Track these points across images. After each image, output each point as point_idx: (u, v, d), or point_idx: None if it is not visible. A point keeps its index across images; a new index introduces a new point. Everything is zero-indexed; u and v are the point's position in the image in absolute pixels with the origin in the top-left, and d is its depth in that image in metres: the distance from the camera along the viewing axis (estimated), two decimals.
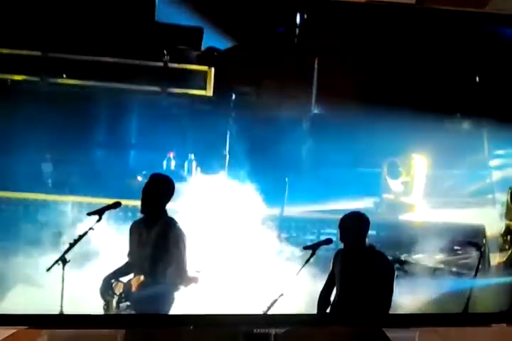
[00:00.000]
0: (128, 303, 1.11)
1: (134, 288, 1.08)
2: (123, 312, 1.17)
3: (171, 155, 1.05)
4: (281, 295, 1.26)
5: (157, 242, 1.04)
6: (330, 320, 1.46)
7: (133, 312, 1.14)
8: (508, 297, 1.49)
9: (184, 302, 1.32)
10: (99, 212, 1.00)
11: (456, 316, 1.51)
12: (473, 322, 1.54)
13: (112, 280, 1.08)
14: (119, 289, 1.09)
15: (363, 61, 1.26)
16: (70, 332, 1.55)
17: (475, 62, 1.34)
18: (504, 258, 1.26)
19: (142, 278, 1.07)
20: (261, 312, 1.36)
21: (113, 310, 1.11)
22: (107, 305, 1.10)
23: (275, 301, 1.30)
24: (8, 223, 1.13)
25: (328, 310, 1.37)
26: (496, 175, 1.19)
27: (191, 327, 1.41)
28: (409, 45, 1.27)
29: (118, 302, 1.09)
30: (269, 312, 1.35)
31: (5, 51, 1.13)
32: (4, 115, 1.06)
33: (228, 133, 1.08)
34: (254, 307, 1.38)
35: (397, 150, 1.10)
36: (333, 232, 1.12)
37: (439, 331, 1.79)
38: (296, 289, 1.32)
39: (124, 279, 1.10)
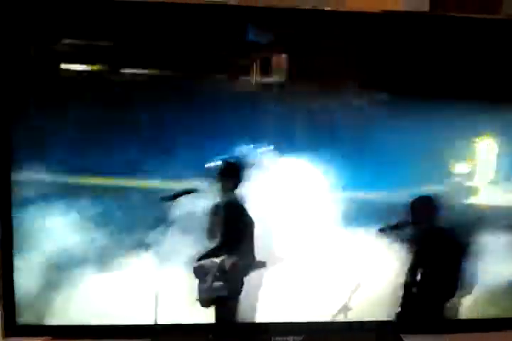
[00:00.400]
0: (221, 283, 1.18)
1: (227, 268, 1.16)
2: (216, 294, 1.22)
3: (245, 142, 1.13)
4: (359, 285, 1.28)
5: (238, 224, 1.12)
6: (349, 327, 1.46)
7: (226, 293, 1.20)
8: None
9: (200, 311, 1.31)
10: (176, 197, 1.08)
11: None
12: (491, 328, 1.49)
13: (205, 261, 1.15)
14: (212, 270, 1.16)
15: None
16: None
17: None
18: None
19: (232, 259, 1.14)
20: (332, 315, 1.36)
21: (207, 292, 1.18)
22: (201, 286, 1.17)
23: (354, 291, 1.29)
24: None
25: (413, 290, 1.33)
26: None
27: (210, 337, 1.45)
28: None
29: (212, 282, 1.17)
30: (289, 320, 1.38)
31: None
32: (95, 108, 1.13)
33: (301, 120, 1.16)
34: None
35: (463, 136, 1.15)
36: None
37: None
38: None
39: (217, 260, 1.16)
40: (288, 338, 1.55)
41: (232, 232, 1.15)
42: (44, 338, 1.47)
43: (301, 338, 1.55)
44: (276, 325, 1.49)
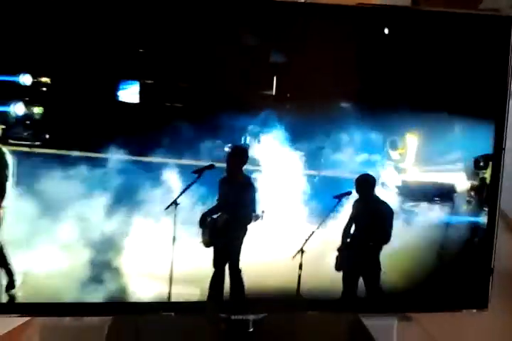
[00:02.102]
0: (216, 232, 1.47)
1: (219, 224, 1.46)
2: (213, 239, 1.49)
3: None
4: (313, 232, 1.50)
5: (238, 192, 1.44)
6: (306, 306, 1.66)
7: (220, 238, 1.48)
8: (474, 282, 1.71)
9: (166, 290, 1.57)
10: (200, 171, 1.40)
11: (431, 302, 1.71)
12: (445, 308, 1.74)
13: (207, 217, 1.45)
14: (211, 222, 1.46)
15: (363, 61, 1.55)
16: (61, 323, 1.81)
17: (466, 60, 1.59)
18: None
19: (225, 216, 1.46)
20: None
21: (206, 239, 1.47)
22: (203, 235, 1.46)
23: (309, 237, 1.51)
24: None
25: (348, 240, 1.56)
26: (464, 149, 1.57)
27: (173, 314, 1.62)
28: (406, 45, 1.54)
29: (209, 233, 1.47)
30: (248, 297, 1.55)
31: None
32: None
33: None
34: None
35: (397, 130, 1.50)
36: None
37: (417, 319, 1.99)
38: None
39: (215, 216, 1.47)
40: (248, 316, 1.70)
41: (228, 197, 1.45)
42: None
43: (261, 317, 1.70)
44: (236, 303, 1.63)
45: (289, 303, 1.63)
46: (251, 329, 1.70)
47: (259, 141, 1.47)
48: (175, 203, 1.38)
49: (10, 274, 1.54)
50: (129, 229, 1.48)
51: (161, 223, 1.43)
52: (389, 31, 1.54)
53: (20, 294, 1.52)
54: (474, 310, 1.75)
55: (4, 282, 1.52)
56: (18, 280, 1.53)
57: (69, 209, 1.45)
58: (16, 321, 2.05)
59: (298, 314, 1.77)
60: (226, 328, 1.71)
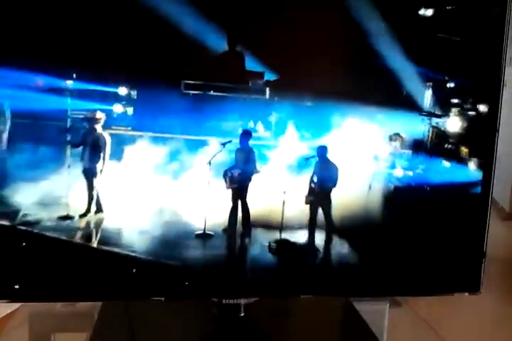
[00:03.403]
0: (234, 185, 1.93)
1: (235, 176, 1.95)
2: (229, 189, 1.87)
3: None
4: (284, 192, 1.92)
5: (246, 156, 1.96)
6: (298, 290, 1.77)
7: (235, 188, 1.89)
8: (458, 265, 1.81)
9: (157, 275, 1.76)
10: (224, 144, 1.90)
11: (421, 285, 1.80)
12: (437, 291, 1.80)
13: (228, 171, 1.95)
14: (228, 174, 1.94)
15: None
16: (50, 309, 1.91)
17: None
18: None
19: (239, 171, 1.96)
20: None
21: (228, 185, 1.92)
22: (226, 183, 1.94)
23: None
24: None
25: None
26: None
27: (163, 299, 1.69)
28: None
29: (229, 182, 1.94)
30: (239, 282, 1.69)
31: None
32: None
33: None
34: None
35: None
36: None
37: (408, 303, 2.16)
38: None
39: (233, 171, 1.93)
40: (239, 300, 1.75)
41: (240, 159, 1.95)
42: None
43: (252, 301, 1.76)
44: (227, 287, 1.70)
45: (281, 287, 1.76)
46: (242, 314, 1.80)
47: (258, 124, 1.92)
48: (209, 163, 1.89)
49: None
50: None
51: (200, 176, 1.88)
52: None
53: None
54: (466, 294, 1.79)
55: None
56: None
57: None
58: (5, 308, 2.24)
59: (289, 298, 1.85)
60: (217, 312, 1.79)
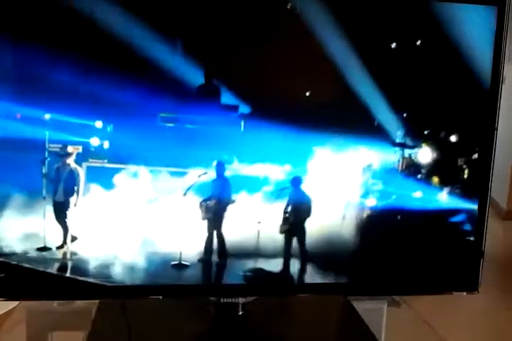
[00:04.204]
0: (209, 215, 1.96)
1: (211, 206, 1.98)
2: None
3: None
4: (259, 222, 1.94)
5: (221, 187, 1.98)
6: (296, 289, 1.80)
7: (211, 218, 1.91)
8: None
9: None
10: (200, 175, 1.92)
11: (419, 284, 1.81)
12: (435, 291, 1.81)
13: (203, 202, 1.96)
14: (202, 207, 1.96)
15: None
16: (47, 308, 1.91)
17: None
18: None
19: (214, 201, 2.01)
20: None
21: (203, 215, 1.94)
22: (201, 213, 1.96)
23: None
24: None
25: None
26: None
27: (161, 298, 1.72)
28: None
29: (205, 212, 1.96)
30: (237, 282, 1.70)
31: None
32: None
33: None
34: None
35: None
36: None
37: (406, 301, 2.12)
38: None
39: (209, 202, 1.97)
40: (237, 299, 1.76)
41: (216, 190, 1.98)
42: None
43: (250, 300, 1.79)
44: (226, 286, 1.71)
45: (279, 286, 1.79)
46: (240, 313, 1.81)
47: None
48: (185, 194, 1.91)
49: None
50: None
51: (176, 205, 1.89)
52: None
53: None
54: (464, 293, 1.78)
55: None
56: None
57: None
58: (2, 307, 2.32)
59: (288, 297, 1.90)
60: (215, 311, 1.81)
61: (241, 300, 1.73)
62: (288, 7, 1.73)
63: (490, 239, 1.77)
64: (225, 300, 1.73)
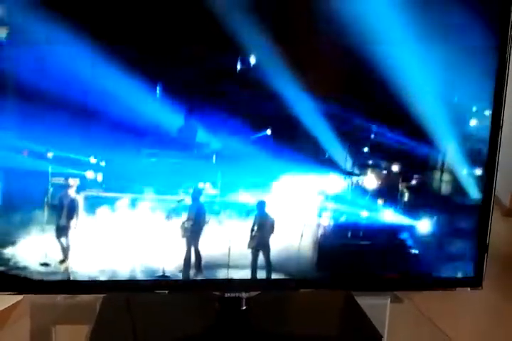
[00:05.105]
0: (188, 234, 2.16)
1: (189, 226, 2.22)
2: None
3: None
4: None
5: (197, 211, 2.23)
6: (300, 284, 1.80)
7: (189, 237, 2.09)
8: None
9: (160, 268, 1.90)
10: (179, 201, 2.14)
11: (423, 280, 1.78)
12: (440, 286, 1.78)
13: (183, 223, 2.18)
14: (182, 227, 2.20)
15: None
16: (51, 302, 1.97)
17: None
18: None
19: (191, 222, 2.48)
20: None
21: (182, 234, 2.16)
22: (181, 232, 2.18)
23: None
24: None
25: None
26: None
27: (166, 292, 1.75)
28: None
29: (183, 231, 2.21)
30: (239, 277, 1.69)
31: None
32: None
33: None
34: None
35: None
36: None
37: (410, 297, 2.15)
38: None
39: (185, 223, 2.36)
40: (241, 294, 1.76)
41: (192, 213, 2.17)
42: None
43: (253, 294, 1.79)
44: (229, 281, 1.69)
45: (282, 281, 1.78)
46: (244, 307, 1.82)
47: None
48: (167, 217, 2.13)
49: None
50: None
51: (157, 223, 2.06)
52: None
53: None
54: (468, 289, 1.76)
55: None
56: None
57: None
58: (7, 300, 2.32)
59: (291, 292, 1.85)
60: (219, 306, 1.83)
61: (244, 294, 1.70)
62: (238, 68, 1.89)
63: (492, 235, 1.72)
64: (229, 294, 1.71)
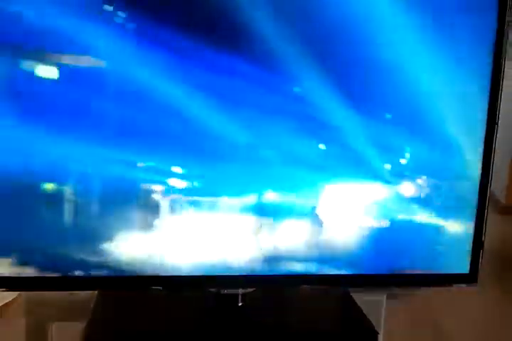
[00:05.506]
0: None
1: None
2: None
3: None
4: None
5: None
6: (295, 281, 1.60)
7: None
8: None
9: (153, 265, 1.54)
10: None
11: (419, 277, 1.61)
12: (436, 283, 1.65)
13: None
14: None
15: None
16: (47, 298, 1.74)
17: None
18: None
19: None
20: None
21: None
22: None
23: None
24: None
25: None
26: None
27: (161, 289, 1.54)
28: None
29: None
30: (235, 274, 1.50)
31: None
32: None
33: None
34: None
35: None
36: None
37: (405, 295, 2.02)
38: None
39: None
40: (237, 291, 1.61)
41: None
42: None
43: (250, 291, 1.62)
44: (225, 277, 1.53)
45: (279, 278, 1.61)
46: (240, 304, 1.68)
47: None
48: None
49: None
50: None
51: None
52: None
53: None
54: (464, 285, 1.65)
55: None
56: None
57: None
58: (2, 297, 2.07)
59: (288, 288, 1.71)
60: (215, 302, 1.68)
61: (241, 291, 1.68)
62: None
63: (488, 233, 1.67)
64: (225, 291, 1.68)
